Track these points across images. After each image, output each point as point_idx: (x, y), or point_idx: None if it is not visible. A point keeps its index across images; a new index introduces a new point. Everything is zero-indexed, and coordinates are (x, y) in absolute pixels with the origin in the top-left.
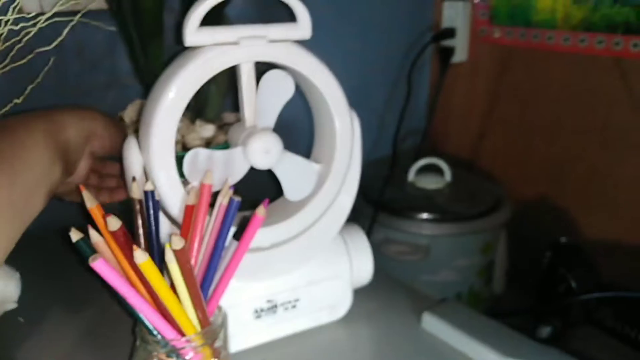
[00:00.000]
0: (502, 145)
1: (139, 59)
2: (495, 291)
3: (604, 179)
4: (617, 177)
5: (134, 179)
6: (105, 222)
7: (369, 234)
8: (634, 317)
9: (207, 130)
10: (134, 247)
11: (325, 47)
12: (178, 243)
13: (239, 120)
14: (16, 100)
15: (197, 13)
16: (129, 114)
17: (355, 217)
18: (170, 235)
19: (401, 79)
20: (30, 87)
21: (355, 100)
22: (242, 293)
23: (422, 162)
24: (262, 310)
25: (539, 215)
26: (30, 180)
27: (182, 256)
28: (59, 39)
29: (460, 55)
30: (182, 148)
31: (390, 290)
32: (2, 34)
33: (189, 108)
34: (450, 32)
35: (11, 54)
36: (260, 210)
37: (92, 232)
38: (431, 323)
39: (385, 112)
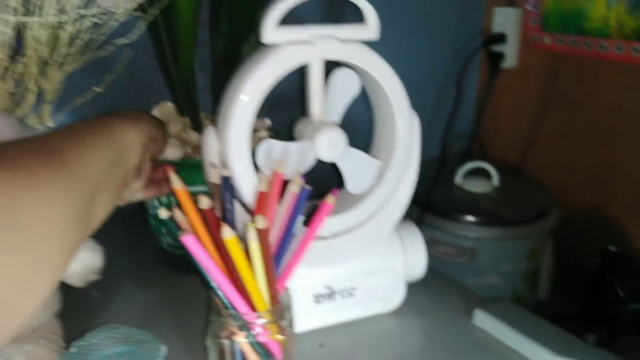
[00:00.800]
0: (551, 152)
1: (171, 70)
2: (540, 297)
3: None
4: None
5: (213, 165)
6: (195, 202)
7: None
8: None
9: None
10: (222, 224)
11: (375, 49)
12: (262, 222)
13: (267, 126)
14: (97, 88)
15: (276, 12)
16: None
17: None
18: (254, 215)
19: (450, 83)
20: (108, 75)
21: None
22: (303, 278)
23: (470, 165)
24: (321, 296)
25: (587, 223)
26: (95, 186)
27: (264, 235)
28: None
29: (510, 60)
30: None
31: (442, 286)
32: (87, 26)
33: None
34: (500, 38)
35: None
36: (330, 199)
37: (177, 212)
38: (483, 319)
39: (433, 115)
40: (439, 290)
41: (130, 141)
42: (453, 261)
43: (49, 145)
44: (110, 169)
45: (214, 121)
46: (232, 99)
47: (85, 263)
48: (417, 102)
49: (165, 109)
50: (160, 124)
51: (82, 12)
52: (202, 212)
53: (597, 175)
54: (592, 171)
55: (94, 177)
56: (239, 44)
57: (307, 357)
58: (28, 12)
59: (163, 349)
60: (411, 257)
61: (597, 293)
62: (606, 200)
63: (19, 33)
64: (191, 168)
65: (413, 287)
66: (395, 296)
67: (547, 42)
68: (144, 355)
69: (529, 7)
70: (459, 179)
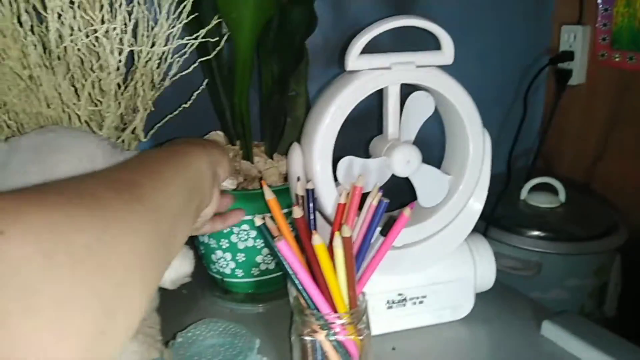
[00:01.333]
0: (619, 170)
1: (222, 100)
2: (607, 314)
3: None
4: None
5: (298, 178)
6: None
7: None
8: None
9: (284, 165)
10: (313, 232)
11: (444, 68)
12: (347, 231)
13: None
14: (184, 105)
15: (360, 43)
16: None
17: None
18: (341, 225)
19: (517, 100)
20: (195, 92)
21: None
22: (377, 285)
23: (536, 180)
24: (393, 302)
25: None
26: (174, 217)
27: (348, 243)
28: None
29: (577, 78)
30: (261, 182)
31: (509, 298)
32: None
33: (265, 144)
34: (568, 55)
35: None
36: (407, 211)
37: (268, 220)
38: (551, 331)
39: (500, 131)
40: (507, 301)
41: (203, 169)
42: (518, 275)
43: (128, 180)
44: (188, 199)
45: (266, 149)
46: (316, 120)
47: (178, 270)
48: (485, 119)
49: (215, 138)
50: (224, 151)
51: (184, 40)
52: (297, 221)
53: None
54: None
55: (173, 209)
56: (286, 75)
57: (380, 358)
58: (136, 43)
59: (257, 342)
60: (480, 268)
61: None
62: None
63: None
64: (245, 199)
65: (481, 297)
66: (465, 305)
67: (616, 60)
68: (240, 347)
69: (598, 26)
70: (524, 194)
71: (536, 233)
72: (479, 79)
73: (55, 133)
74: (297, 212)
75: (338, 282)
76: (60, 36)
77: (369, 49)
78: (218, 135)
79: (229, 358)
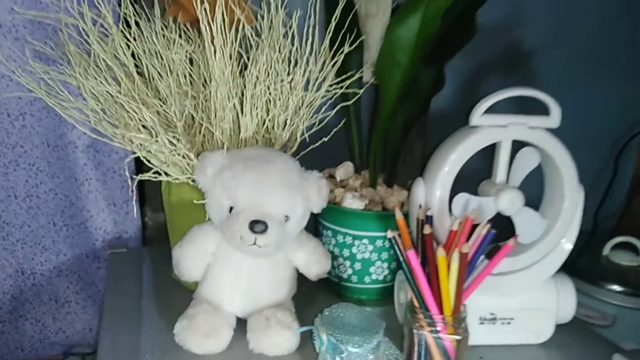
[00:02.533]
0: None
1: (354, 140)
2: None
3: None
4: None
5: (420, 206)
6: (420, 228)
7: None
8: None
9: (402, 194)
10: (439, 246)
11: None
12: (466, 248)
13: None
14: (324, 139)
15: (484, 106)
16: (340, 173)
17: None
18: (458, 241)
19: (609, 162)
20: (334, 129)
21: None
22: (473, 302)
23: (620, 239)
24: (485, 319)
25: None
26: None
27: (464, 259)
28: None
29: None
30: (382, 208)
31: (586, 332)
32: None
33: (384, 175)
34: None
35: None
36: (512, 241)
37: (390, 233)
38: None
39: (589, 190)
40: (583, 334)
41: None
42: (594, 324)
43: None
44: None
45: (385, 180)
46: (441, 161)
47: (323, 266)
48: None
49: (346, 168)
50: None
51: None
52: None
53: None
54: None
55: None
56: (411, 124)
57: None
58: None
59: (383, 324)
60: (562, 302)
61: None
62: None
63: None
64: (368, 217)
65: (561, 328)
66: (545, 332)
67: None
68: (371, 327)
69: None
70: (607, 250)
71: (614, 287)
72: (574, 139)
73: (265, 150)
74: (427, 229)
75: (449, 289)
76: (257, 78)
77: (487, 110)
78: (348, 165)
79: (365, 332)
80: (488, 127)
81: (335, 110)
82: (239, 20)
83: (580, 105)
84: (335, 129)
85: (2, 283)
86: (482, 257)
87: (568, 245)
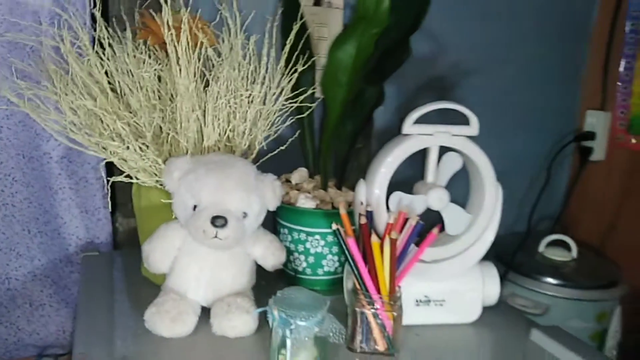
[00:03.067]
0: (631, 239)
1: (307, 148)
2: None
3: None
4: None
5: (362, 203)
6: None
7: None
8: None
9: (349, 195)
10: (373, 234)
11: (484, 139)
12: (395, 235)
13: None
14: (282, 147)
15: (413, 117)
16: (294, 178)
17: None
18: (390, 231)
19: (543, 170)
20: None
21: (502, 182)
22: (410, 287)
23: (553, 237)
24: (420, 301)
25: None
26: None
27: (394, 244)
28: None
29: (598, 154)
30: (332, 207)
31: (511, 313)
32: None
33: (334, 179)
34: (590, 135)
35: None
36: (435, 230)
37: (335, 225)
38: (539, 337)
39: (524, 195)
40: (508, 315)
41: None
42: (528, 312)
43: None
44: None
45: (335, 183)
46: (378, 165)
47: (278, 257)
48: (514, 184)
49: (301, 173)
50: None
51: (288, 103)
52: (362, 226)
53: None
54: None
55: None
56: (357, 134)
57: (407, 341)
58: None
59: (327, 302)
60: (487, 286)
61: None
62: None
63: None
64: (319, 215)
65: (488, 310)
66: (474, 312)
67: (632, 142)
68: (316, 304)
69: (618, 112)
70: (542, 247)
71: (548, 280)
72: (513, 150)
73: (225, 156)
74: (363, 219)
75: (384, 272)
76: (218, 93)
77: (418, 121)
78: (302, 170)
79: (311, 308)
80: (417, 135)
81: (290, 122)
82: (202, 42)
83: (517, 121)
84: (290, 139)
85: None
86: (412, 245)
87: (490, 236)
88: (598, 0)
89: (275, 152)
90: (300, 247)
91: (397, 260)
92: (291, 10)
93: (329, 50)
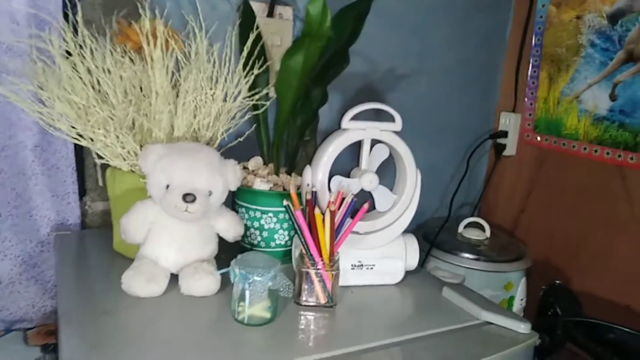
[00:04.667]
0: (536, 221)
1: (262, 138)
2: None
3: (603, 253)
4: (609, 252)
5: (308, 185)
6: (304, 197)
7: (424, 261)
8: (599, 338)
9: (298, 180)
10: (316, 207)
11: (412, 135)
12: (333, 207)
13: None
14: (240, 139)
15: (350, 114)
16: (251, 164)
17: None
18: (329, 203)
19: (462, 163)
20: (247, 132)
21: (429, 173)
22: (347, 254)
23: (470, 219)
24: (355, 265)
25: (554, 270)
26: None
27: (333, 215)
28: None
29: (510, 150)
30: (283, 188)
31: (428, 278)
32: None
33: (286, 167)
34: (503, 134)
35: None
36: (365, 205)
37: (285, 202)
38: (447, 293)
39: (449, 184)
40: (426, 279)
41: None
42: (448, 282)
43: None
44: None
45: (287, 170)
46: (321, 154)
47: (237, 229)
48: (439, 176)
49: (256, 161)
50: None
51: (246, 101)
52: (308, 201)
53: (567, 239)
54: (563, 235)
55: None
56: (305, 128)
57: (343, 296)
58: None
59: (279, 262)
60: (409, 253)
61: (544, 311)
62: (572, 262)
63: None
64: (272, 196)
65: (411, 273)
66: (398, 275)
67: (537, 140)
68: (270, 264)
69: (526, 114)
70: (460, 228)
71: (464, 254)
72: (438, 146)
73: (194, 144)
74: (309, 195)
75: (325, 239)
76: (187, 91)
77: (355, 118)
78: (258, 159)
79: (265, 267)
80: (353, 129)
81: (247, 118)
82: (173, 48)
83: (442, 120)
84: (248, 132)
85: None
86: (348, 218)
87: (410, 213)
88: (512, 15)
89: (234, 142)
90: (256, 224)
91: (336, 230)
92: (248, 21)
93: (282, 59)
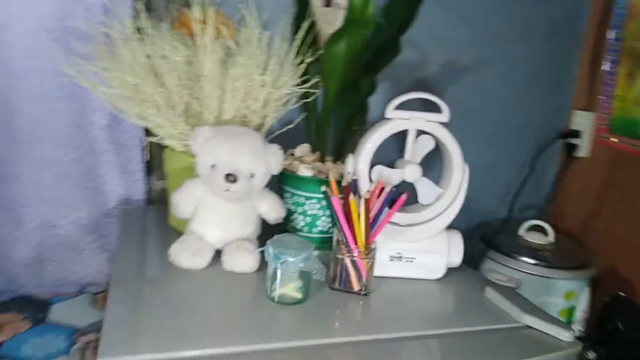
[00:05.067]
0: (608, 226)
1: (311, 127)
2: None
3: None
4: None
5: (348, 172)
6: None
7: (478, 263)
8: None
9: (342, 168)
10: (351, 194)
11: (470, 131)
12: (367, 195)
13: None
14: (289, 126)
15: (394, 103)
16: (298, 151)
17: (473, 251)
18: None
19: (527, 163)
20: (296, 120)
21: (489, 172)
22: (386, 245)
23: (532, 222)
24: (394, 257)
25: (624, 281)
26: None
27: (367, 203)
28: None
29: (583, 151)
30: (327, 176)
31: (472, 275)
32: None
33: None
34: (576, 133)
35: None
36: (404, 195)
37: (324, 188)
38: (490, 293)
39: (512, 184)
40: (470, 276)
41: None
42: (503, 285)
43: None
44: None
45: (333, 158)
46: (362, 144)
47: (278, 212)
48: (499, 175)
49: (303, 148)
50: None
51: (296, 89)
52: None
53: (638, 248)
54: (636, 244)
55: None
56: (353, 117)
57: (380, 288)
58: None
59: (312, 245)
60: (452, 249)
61: (603, 323)
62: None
63: None
64: (315, 182)
65: (453, 270)
66: (439, 271)
67: (612, 141)
68: (303, 246)
69: (601, 113)
70: (521, 231)
71: (522, 258)
72: (500, 144)
73: (240, 128)
74: (345, 182)
75: (360, 226)
76: (235, 77)
77: (403, 108)
78: (305, 146)
79: (298, 249)
80: (397, 119)
81: (298, 105)
82: (224, 35)
83: (503, 115)
84: (297, 120)
85: (29, 234)
86: (387, 208)
87: (455, 208)
88: (588, 4)
89: (284, 129)
90: (300, 209)
91: (373, 220)
92: (302, 10)
93: (326, 45)
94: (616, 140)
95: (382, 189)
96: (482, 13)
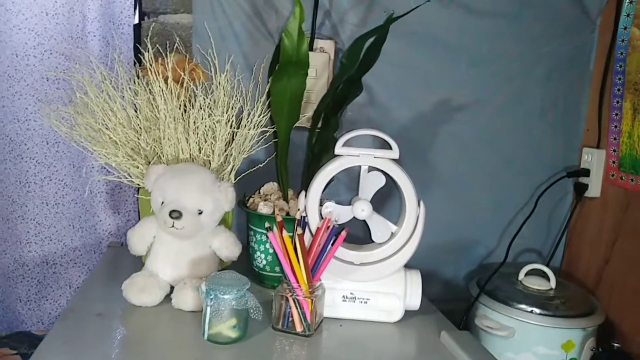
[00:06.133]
0: (619, 273)
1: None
2: None
3: None
4: None
5: (299, 209)
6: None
7: (470, 309)
8: None
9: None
10: (284, 230)
11: (470, 169)
12: (299, 230)
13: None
14: (260, 165)
15: (343, 139)
16: (263, 189)
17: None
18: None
19: (528, 204)
20: (267, 159)
21: (492, 212)
22: (339, 284)
23: (531, 266)
24: (347, 297)
25: (630, 335)
26: None
27: (300, 238)
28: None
29: (593, 191)
30: (287, 214)
31: (433, 320)
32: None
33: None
34: (585, 172)
35: None
36: (343, 232)
37: (267, 225)
38: (445, 338)
39: (516, 226)
40: (430, 322)
41: None
42: (494, 334)
43: None
44: None
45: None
46: (315, 181)
47: (232, 251)
48: (504, 214)
49: (270, 186)
50: None
51: (266, 129)
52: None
53: None
54: None
55: None
56: (320, 157)
57: (331, 330)
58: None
59: (248, 282)
60: (410, 290)
61: None
62: None
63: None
64: (272, 220)
65: (412, 313)
66: (396, 314)
67: (622, 180)
68: (238, 283)
69: (610, 150)
70: (521, 276)
71: (515, 304)
72: (503, 183)
73: (191, 165)
74: (278, 218)
75: (298, 263)
76: (195, 119)
77: (348, 144)
78: (272, 184)
79: (231, 286)
80: (345, 155)
81: (267, 145)
82: (193, 79)
83: (506, 153)
84: (268, 159)
85: (32, 271)
86: (330, 245)
87: (412, 248)
88: (596, 39)
89: (254, 169)
90: (262, 247)
91: (318, 256)
92: (278, 55)
93: (269, 86)
94: (625, 179)
95: (329, 226)
96: (483, 55)
